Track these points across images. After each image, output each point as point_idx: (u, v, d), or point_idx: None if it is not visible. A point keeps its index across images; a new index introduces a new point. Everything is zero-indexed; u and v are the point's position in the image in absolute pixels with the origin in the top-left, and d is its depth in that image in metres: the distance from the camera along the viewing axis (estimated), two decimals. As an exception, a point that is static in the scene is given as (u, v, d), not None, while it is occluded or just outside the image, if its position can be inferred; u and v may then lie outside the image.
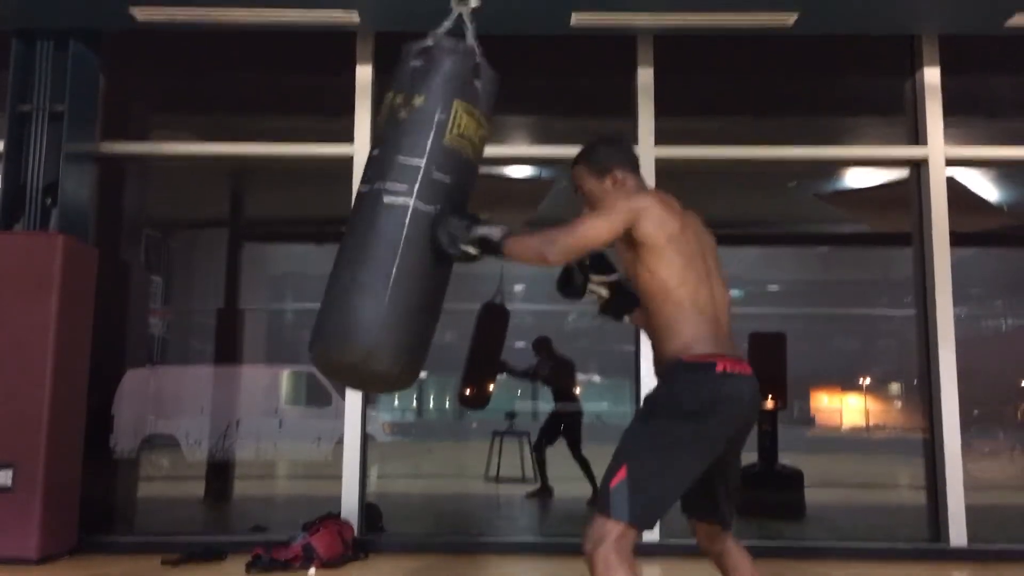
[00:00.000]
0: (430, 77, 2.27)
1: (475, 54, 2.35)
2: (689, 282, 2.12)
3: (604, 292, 2.42)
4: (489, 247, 2.18)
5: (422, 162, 2.20)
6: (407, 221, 2.16)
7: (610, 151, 2.36)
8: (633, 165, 2.36)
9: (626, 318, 2.49)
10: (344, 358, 2.17)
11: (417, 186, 2.18)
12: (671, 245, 2.12)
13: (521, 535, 5.31)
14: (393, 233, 2.16)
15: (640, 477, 2.03)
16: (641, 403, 2.20)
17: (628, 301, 2.42)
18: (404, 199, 2.17)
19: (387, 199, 2.18)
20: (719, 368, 2.09)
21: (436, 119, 2.23)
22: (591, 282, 2.40)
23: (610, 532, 2.00)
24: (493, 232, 2.17)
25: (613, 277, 2.40)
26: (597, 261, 2.41)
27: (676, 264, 2.12)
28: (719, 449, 2.11)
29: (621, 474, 2.03)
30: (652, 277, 2.13)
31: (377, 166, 2.25)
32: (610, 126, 5.33)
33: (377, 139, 2.34)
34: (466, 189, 2.31)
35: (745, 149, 5.01)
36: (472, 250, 2.19)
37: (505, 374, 6.33)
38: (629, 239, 2.14)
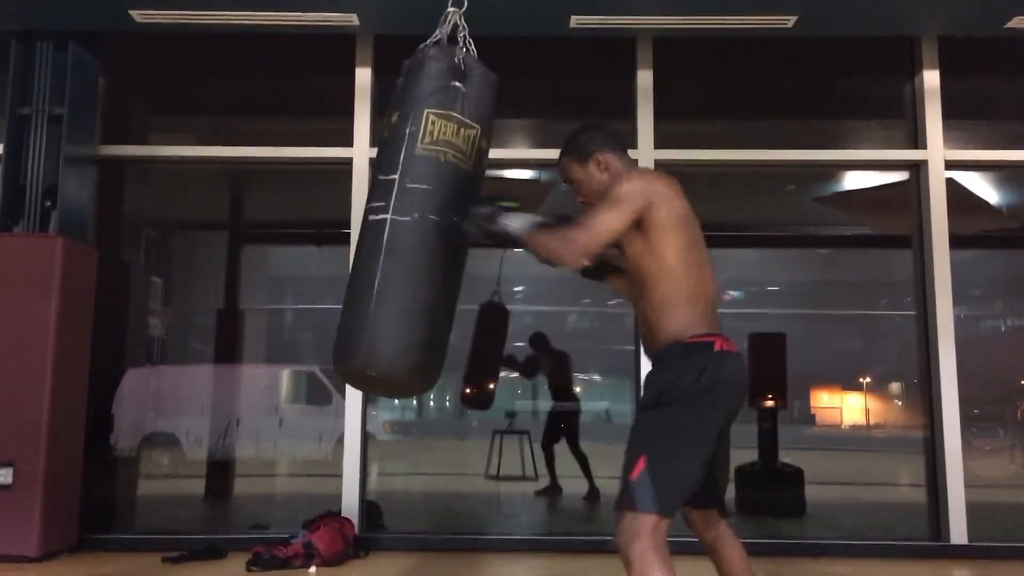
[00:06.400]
0: (404, 93, 2.34)
1: (452, 55, 2.35)
2: (691, 266, 2.14)
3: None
4: (508, 240, 2.22)
5: (396, 176, 2.27)
6: (386, 234, 2.24)
7: (589, 136, 2.35)
8: (615, 145, 2.34)
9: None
10: (349, 368, 2.27)
11: (393, 200, 2.25)
12: (680, 228, 2.14)
13: (522, 533, 5.32)
14: (374, 247, 2.25)
15: (659, 465, 2.02)
16: (642, 389, 2.20)
17: (606, 267, 2.45)
18: (383, 215, 2.26)
19: (371, 217, 2.29)
20: (717, 347, 2.11)
21: (407, 132, 2.28)
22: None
23: (643, 526, 1.98)
24: (513, 225, 2.19)
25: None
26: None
27: (682, 247, 2.13)
28: (721, 427, 2.13)
29: (640, 465, 2.02)
30: (658, 260, 2.13)
31: (370, 189, 2.38)
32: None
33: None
34: (454, 190, 2.32)
35: (744, 152, 5.01)
36: (489, 237, 2.24)
37: (509, 368, 6.36)
38: (637, 222, 2.12)
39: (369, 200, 2.34)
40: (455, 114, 2.31)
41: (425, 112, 2.28)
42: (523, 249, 2.23)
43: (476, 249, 2.43)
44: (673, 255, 2.12)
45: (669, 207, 2.13)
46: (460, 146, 2.32)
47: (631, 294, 2.38)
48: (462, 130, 2.32)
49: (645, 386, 2.18)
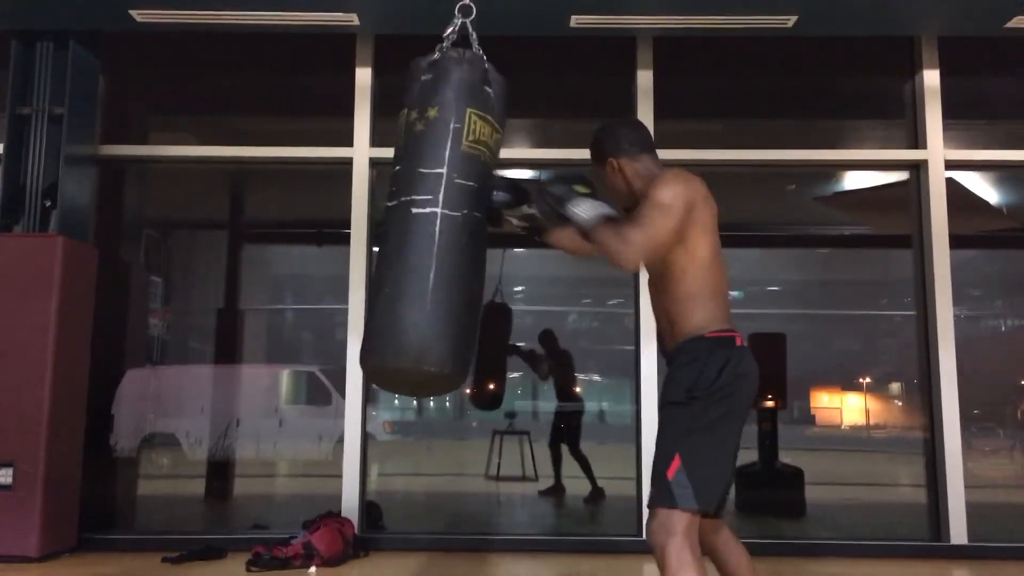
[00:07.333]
0: (441, 88, 2.32)
1: (483, 61, 2.40)
2: (716, 262, 2.20)
3: (520, 223, 2.51)
4: (572, 224, 2.27)
5: (443, 170, 2.26)
6: (437, 228, 2.22)
7: (603, 139, 2.40)
8: (630, 147, 2.36)
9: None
10: (397, 365, 2.23)
11: (442, 194, 2.24)
12: (713, 228, 2.20)
13: (521, 532, 5.32)
14: (426, 241, 2.22)
15: (695, 461, 2.05)
16: (665, 385, 2.23)
17: (540, 227, 2.52)
18: (432, 208, 2.23)
19: (415, 210, 2.24)
20: (738, 343, 2.17)
21: (452, 128, 2.29)
22: (506, 216, 2.46)
23: (678, 523, 2.01)
24: (581, 213, 2.22)
25: (526, 211, 2.46)
26: (514, 194, 2.44)
27: (711, 245, 2.19)
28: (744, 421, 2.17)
29: (676, 463, 2.05)
30: (690, 257, 2.17)
31: (401, 181, 2.31)
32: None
33: (397, 156, 2.38)
34: (487, 192, 2.38)
35: (744, 152, 5.01)
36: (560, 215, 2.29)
37: (530, 364, 6.38)
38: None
39: (405, 192, 2.28)
40: (490, 117, 2.36)
41: (468, 111, 2.31)
42: (582, 234, 2.27)
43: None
44: (706, 252, 2.18)
45: (706, 208, 2.19)
46: (492, 148, 2.38)
47: (580, 248, 2.44)
48: (494, 134, 2.38)
49: (668, 381, 2.21)
